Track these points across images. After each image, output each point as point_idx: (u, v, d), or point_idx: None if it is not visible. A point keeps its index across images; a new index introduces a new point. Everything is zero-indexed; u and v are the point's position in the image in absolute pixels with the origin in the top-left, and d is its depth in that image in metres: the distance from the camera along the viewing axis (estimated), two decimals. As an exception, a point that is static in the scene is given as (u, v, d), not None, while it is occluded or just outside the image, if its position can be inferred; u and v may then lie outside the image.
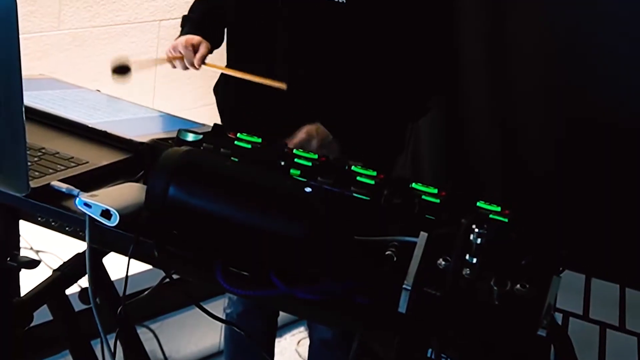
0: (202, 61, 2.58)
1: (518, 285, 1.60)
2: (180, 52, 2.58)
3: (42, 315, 2.21)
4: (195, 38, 2.62)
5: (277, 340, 4.13)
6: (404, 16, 2.45)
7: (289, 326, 4.27)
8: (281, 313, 3.49)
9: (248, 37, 2.62)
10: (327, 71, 2.50)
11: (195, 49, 2.59)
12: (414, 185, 1.88)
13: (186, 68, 2.60)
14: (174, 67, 2.62)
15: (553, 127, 4.04)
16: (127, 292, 1.88)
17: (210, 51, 2.63)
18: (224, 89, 2.76)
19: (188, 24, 2.75)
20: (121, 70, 2.62)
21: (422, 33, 2.50)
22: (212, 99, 2.84)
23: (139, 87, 4.28)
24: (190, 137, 2.04)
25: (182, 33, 2.72)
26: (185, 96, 3.18)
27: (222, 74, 2.72)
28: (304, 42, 2.50)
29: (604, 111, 3.84)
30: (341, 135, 2.40)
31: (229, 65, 2.68)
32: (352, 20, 2.41)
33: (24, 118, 1.68)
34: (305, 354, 3.38)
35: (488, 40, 4.13)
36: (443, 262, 1.64)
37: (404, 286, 1.59)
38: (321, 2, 2.39)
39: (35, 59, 3.85)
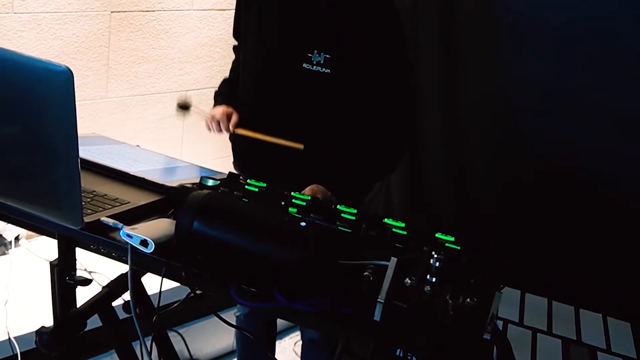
0: (235, 127, 2.60)
1: (468, 299, 1.60)
2: (218, 119, 2.61)
3: (94, 322, 2.21)
4: (228, 108, 2.64)
5: (278, 342, 4.11)
6: (377, 84, 2.46)
7: (287, 330, 4.26)
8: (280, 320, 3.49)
9: (256, 102, 2.64)
10: (321, 128, 2.51)
11: (229, 117, 2.61)
12: (386, 220, 1.88)
13: (221, 131, 2.62)
14: (210, 129, 2.64)
15: (496, 174, 4.06)
16: (161, 304, 1.88)
17: (239, 118, 2.65)
18: (237, 138, 2.77)
19: (220, 98, 2.78)
20: (184, 107, 2.66)
21: (392, 98, 2.52)
22: (227, 152, 2.84)
23: (170, 143, 4.28)
24: (210, 182, 2.04)
25: (217, 103, 2.75)
26: (206, 151, 3.20)
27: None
28: (301, 105, 2.51)
29: (534, 162, 3.86)
30: (335, 187, 2.40)
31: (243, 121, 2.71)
32: (335, 87, 2.42)
33: (79, 167, 1.68)
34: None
35: (445, 103, 4.15)
36: (409, 281, 1.64)
37: (378, 300, 1.60)
38: (313, 72, 2.41)
39: (88, 121, 3.85)
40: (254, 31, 2.61)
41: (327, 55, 2.39)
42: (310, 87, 2.45)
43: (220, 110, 2.65)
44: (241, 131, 2.62)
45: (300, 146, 2.44)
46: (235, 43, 2.87)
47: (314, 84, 2.43)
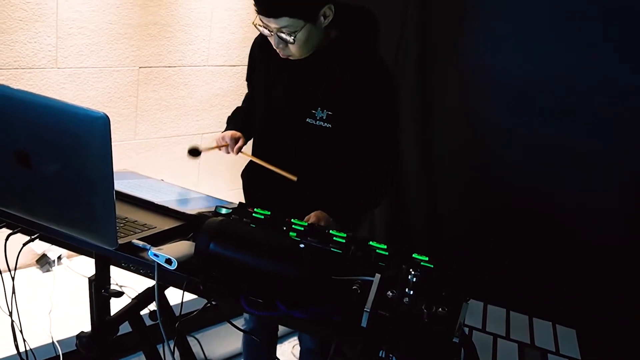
0: (239, 150, 2.59)
1: (440, 309, 1.61)
2: (226, 141, 2.60)
3: (125, 328, 2.20)
4: (237, 133, 2.63)
5: (278, 345, 4.10)
6: (367, 133, 2.46)
7: (287, 336, 4.24)
8: (281, 326, 3.47)
9: (268, 145, 2.64)
10: (320, 170, 2.51)
11: (236, 141, 2.60)
12: (371, 243, 1.89)
13: (228, 152, 2.61)
14: (219, 149, 2.64)
15: (465, 207, 4.08)
16: (182, 313, 1.88)
17: (245, 143, 2.64)
18: (248, 175, 2.76)
19: (232, 123, 2.77)
20: (194, 152, 2.61)
21: (379, 146, 2.52)
22: (238, 184, 2.84)
23: (189, 177, 4.28)
24: (224, 210, 2.05)
25: (228, 127, 2.74)
26: (219, 184, 3.21)
27: (248, 164, 2.72)
28: (303, 151, 2.51)
29: (499, 197, 3.89)
30: (335, 214, 2.40)
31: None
32: (335, 138, 2.42)
33: (114, 198, 1.69)
34: (298, 354, 3.36)
35: (420, 147, 4.16)
36: (390, 294, 1.64)
37: (364, 309, 1.60)
38: (316, 126, 2.42)
39: (120, 159, 3.85)
40: (261, 87, 2.62)
41: (329, 112, 2.40)
42: (312, 138, 2.45)
43: (230, 133, 2.64)
44: (244, 154, 2.62)
45: (294, 178, 2.44)
46: (230, 96, 2.89)
47: (316, 136, 2.43)
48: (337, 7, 2.35)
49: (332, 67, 2.42)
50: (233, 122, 2.80)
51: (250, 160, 2.69)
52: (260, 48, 2.62)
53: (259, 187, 2.68)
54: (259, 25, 2.30)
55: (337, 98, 2.40)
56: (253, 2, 2.25)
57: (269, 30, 2.28)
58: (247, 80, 2.84)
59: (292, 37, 2.25)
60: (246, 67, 2.75)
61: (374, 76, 2.43)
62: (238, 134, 2.66)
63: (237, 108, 2.90)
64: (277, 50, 2.36)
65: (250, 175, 2.75)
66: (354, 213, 2.54)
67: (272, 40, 2.32)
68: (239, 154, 2.63)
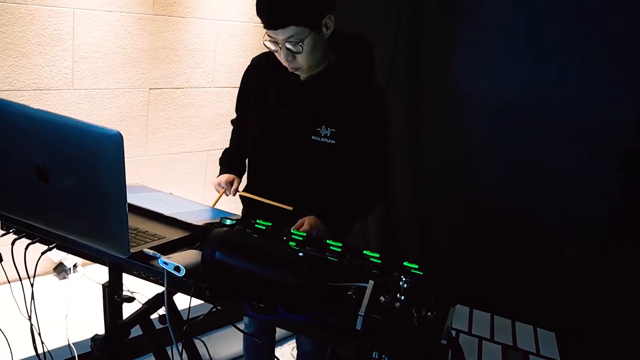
0: (236, 191, 2.65)
1: (429, 313, 1.61)
2: (223, 187, 2.65)
3: (136, 331, 2.20)
4: (230, 176, 2.70)
5: (278, 347, 4.10)
6: (362, 151, 2.47)
7: (287, 338, 4.23)
8: (282, 329, 3.47)
9: (266, 162, 2.65)
10: (319, 183, 2.52)
11: (231, 183, 2.66)
12: (365, 252, 1.89)
13: (227, 195, 2.66)
14: (218, 192, 2.72)
15: (450, 221, 4.09)
16: (189, 317, 1.88)
17: (239, 183, 2.71)
18: (246, 198, 2.77)
19: (224, 166, 2.83)
20: None
21: (375, 154, 2.53)
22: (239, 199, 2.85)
23: (195, 191, 4.28)
24: (228, 222, 2.06)
25: (221, 171, 2.80)
26: (223, 198, 3.19)
27: (246, 187, 2.73)
28: (307, 167, 2.52)
29: (479, 211, 3.89)
30: (327, 221, 2.41)
31: (251, 180, 2.72)
32: (338, 154, 2.43)
33: (127, 210, 1.69)
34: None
35: (411, 162, 4.17)
36: (383, 299, 1.65)
37: (359, 313, 1.60)
38: (321, 142, 2.43)
39: (132, 174, 3.85)
40: (261, 110, 2.62)
41: (333, 130, 2.41)
42: (317, 155, 2.46)
43: (224, 178, 2.70)
44: (243, 194, 2.65)
45: (290, 208, 2.45)
46: (234, 117, 2.88)
47: (320, 152, 2.44)
48: (336, 35, 2.37)
49: (333, 89, 2.44)
50: (225, 164, 2.85)
51: (248, 183, 2.72)
52: (255, 72, 2.65)
53: (257, 206, 2.68)
54: (267, 41, 2.31)
55: (339, 116, 2.42)
56: (260, 19, 2.26)
57: (277, 44, 2.29)
58: (237, 109, 2.84)
59: (300, 45, 2.26)
60: None
61: (371, 100, 2.46)
62: (232, 176, 2.73)
63: (226, 149, 2.91)
64: (286, 64, 2.37)
65: (247, 198, 2.76)
66: (345, 222, 2.55)
67: (281, 55, 2.33)
68: (237, 194, 2.70)
